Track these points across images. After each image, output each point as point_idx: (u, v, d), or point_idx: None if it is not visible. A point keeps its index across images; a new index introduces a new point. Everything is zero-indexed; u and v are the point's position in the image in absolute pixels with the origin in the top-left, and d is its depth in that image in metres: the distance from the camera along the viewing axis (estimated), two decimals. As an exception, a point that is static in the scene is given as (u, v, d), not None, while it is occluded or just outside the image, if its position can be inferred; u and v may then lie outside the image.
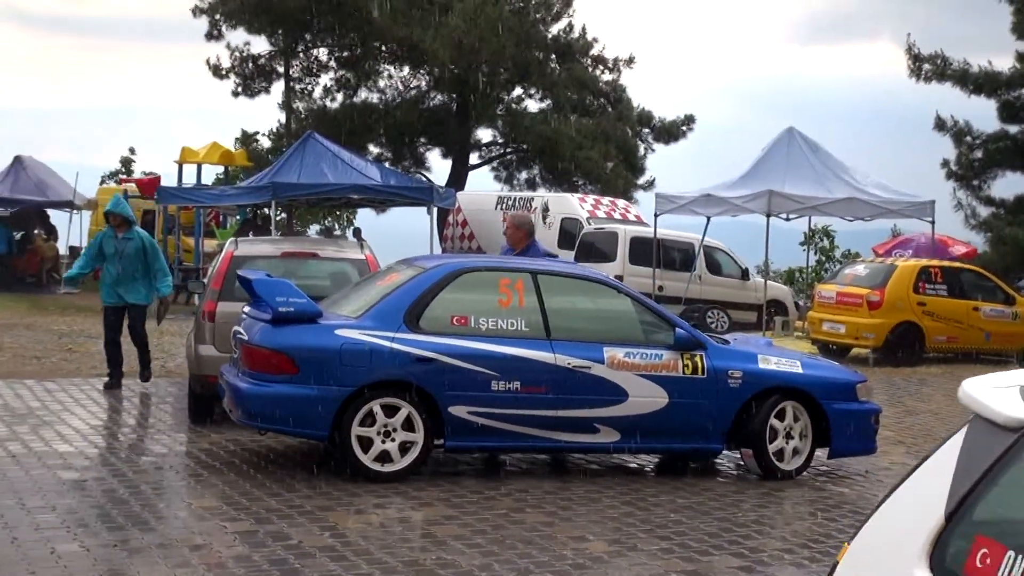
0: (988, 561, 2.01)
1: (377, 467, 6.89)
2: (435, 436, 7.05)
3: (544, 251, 9.33)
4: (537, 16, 27.06)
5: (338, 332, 7.00)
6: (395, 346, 6.90)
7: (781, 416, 7.35)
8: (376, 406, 6.82)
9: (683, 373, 7.22)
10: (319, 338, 6.90)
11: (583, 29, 27.62)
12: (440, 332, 7.04)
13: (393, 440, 6.86)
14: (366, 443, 6.85)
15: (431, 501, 6.78)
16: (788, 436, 7.34)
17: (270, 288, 7.12)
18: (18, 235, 23.92)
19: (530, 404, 7.21)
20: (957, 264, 17.57)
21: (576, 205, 21.39)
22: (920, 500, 2.27)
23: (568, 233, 20.34)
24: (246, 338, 7.33)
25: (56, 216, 26.16)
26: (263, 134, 27.68)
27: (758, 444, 7.33)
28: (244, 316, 7.82)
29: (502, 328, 7.18)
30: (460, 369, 7.00)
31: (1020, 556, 1.93)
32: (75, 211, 24.79)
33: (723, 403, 7.39)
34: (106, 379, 10.57)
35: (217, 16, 26.43)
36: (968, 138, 23.00)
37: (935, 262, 16.63)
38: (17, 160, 24.52)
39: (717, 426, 7.49)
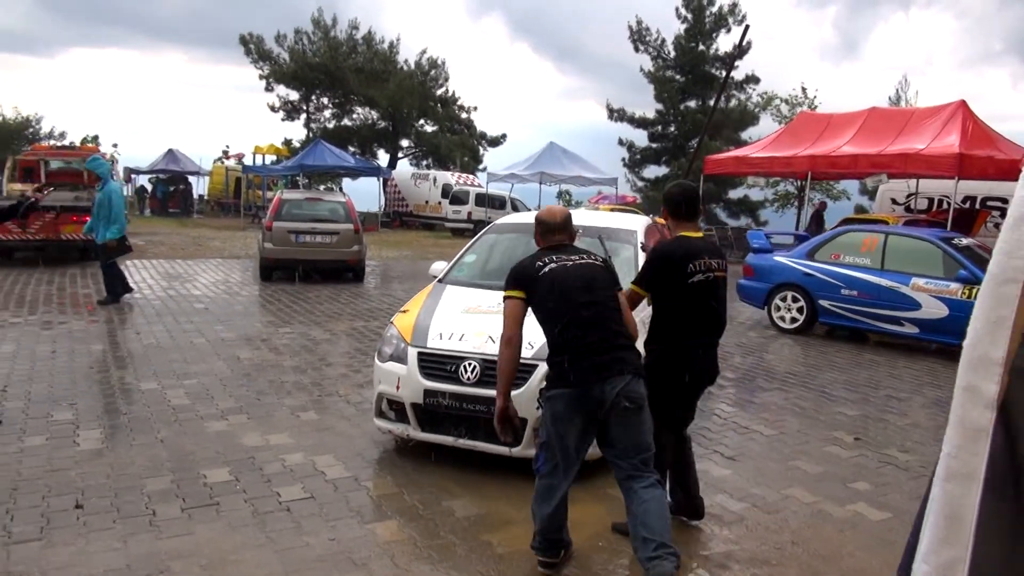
0: None
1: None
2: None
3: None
4: (431, 83, 35.56)
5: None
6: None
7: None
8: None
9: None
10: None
11: (454, 91, 36.72)
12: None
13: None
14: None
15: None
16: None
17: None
18: (171, 188, 31.23)
19: None
20: (627, 207, 23.32)
21: (449, 176, 29.37)
22: None
23: (446, 190, 28.03)
24: None
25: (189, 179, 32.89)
26: (296, 140, 34.34)
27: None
28: None
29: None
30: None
31: None
32: (200, 176, 33.17)
33: None
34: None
35: (271, 80, 34.52)
36: (633, 149, 32.91)
37: (618, 206, 22.93)
38: (169, 150, 32.14)
39: None
